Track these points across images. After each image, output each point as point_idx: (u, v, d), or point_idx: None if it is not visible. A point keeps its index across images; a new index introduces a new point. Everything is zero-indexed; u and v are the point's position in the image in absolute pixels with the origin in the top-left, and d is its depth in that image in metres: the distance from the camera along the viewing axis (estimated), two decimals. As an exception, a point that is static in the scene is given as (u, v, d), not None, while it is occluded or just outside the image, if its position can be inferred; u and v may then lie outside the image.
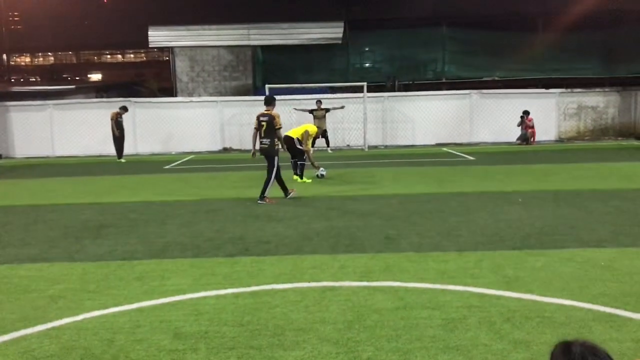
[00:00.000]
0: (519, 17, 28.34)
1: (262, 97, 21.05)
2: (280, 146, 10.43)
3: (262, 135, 10.16)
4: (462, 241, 6.87)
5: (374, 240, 7.03)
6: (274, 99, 10.52)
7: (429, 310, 4.59)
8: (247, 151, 20.38)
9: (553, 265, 5.78)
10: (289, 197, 10.46)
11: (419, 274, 5.59)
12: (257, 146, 10.40)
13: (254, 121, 10.35)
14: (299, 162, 12.91)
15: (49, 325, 4.53)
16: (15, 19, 67.81)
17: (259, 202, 9.96)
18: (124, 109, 19.53)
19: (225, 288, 5.35)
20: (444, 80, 27.41)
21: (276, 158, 10.17)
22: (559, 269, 5.64)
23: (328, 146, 20.65)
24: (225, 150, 22.51)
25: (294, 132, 12.79)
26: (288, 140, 12.45)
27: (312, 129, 13.04)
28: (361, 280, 5.41)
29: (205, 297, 5.13)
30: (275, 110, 10.41)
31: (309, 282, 5.44)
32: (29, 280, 5.81)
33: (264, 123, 10.14)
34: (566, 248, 6.43)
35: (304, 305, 4.80)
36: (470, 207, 9.08)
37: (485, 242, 6.78)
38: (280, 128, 10.22)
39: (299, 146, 12.68)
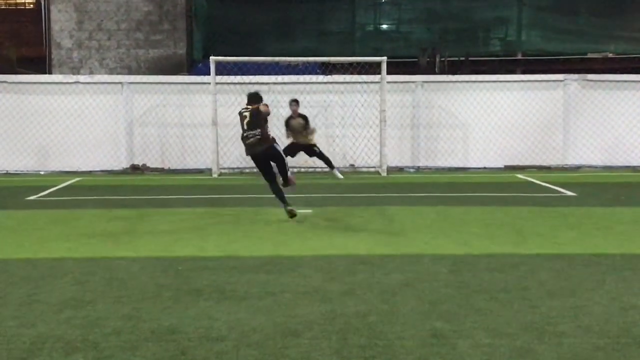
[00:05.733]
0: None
1: (204, 79, 21.48)
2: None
3: (246, 127, 12.52)
4: (567, 346, 6.76)
5: (411, 341, 6.90)
6: (261, 97, 13.05)
7: None
8: (175, 172, 20.28)
9: None
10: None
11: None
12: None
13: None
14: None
15: None
16: None
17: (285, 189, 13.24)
18: None
19: None
20: (519, 57, 27.62)
21: (276, 145, 13.07)
22: None
23: (330, 168, 20.57)
24: (135, 169, 22.33)
25: None
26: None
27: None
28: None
29: None
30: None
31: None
32: None
33: (246, 114, 12.44)
34: None
35: None
36: (575, 282, 9.01)
37: (609, 349, 6.68)
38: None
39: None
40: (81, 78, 23.07)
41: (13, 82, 22.88)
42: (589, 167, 22.48)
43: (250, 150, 11.96)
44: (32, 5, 42.22)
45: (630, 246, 11.24)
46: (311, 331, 7.20)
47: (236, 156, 21.70)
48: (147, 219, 14.32)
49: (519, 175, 20.93)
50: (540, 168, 22.37)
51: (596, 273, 9.55)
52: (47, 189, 18.47)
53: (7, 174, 21.78)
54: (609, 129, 22.42)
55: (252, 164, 22.02)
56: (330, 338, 6.99)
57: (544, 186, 18.68)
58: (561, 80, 22.69)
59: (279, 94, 21.90)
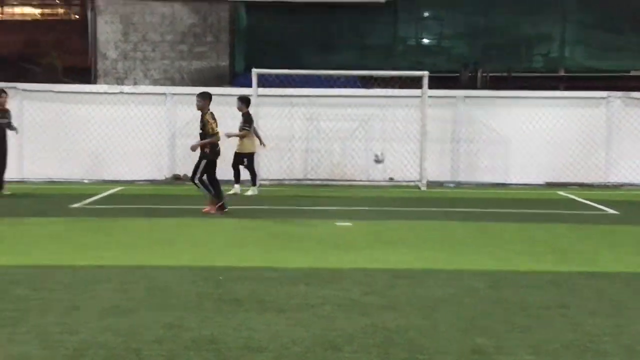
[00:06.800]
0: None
1: (246, 91, 21.51)
2: None
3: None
4: (612, 363, 6.70)
5: (452, 356, 6.85)
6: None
7: None
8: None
9: None
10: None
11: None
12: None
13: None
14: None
15: None
16: None
17: None
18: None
19: None
20: (562, 74, 27.44)
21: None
22: None
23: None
24: (176, 179, 22.45)
25: None
26: None
27: None
28: None
29: None
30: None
31: None
32: None
33: None
34: None
35: None
36: (620, 301, 8.91)
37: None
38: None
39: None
40: (125, 88, 23.28)
41: (59, 92, 23.12)
42: (632, 185, 22.26)
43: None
44: (77, 17, 42.71)
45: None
46: (351, 345, 7.17)
47: (276, 168, 21.76)
48: (188, 228, 14.40)
49: (561, 193, 20.78)
50: (582, 185, 22.19)
51: (638, 292, 9.45)
52: (90, 197, 18.63)
53: (52, 182, 21.95)
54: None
55: (292, 175, 22.42)
56: (370, 352, 6.95)
57: (586, 204, 18.54)
58: (604, 98, 22.51)
59: (320, 106, 21.96)
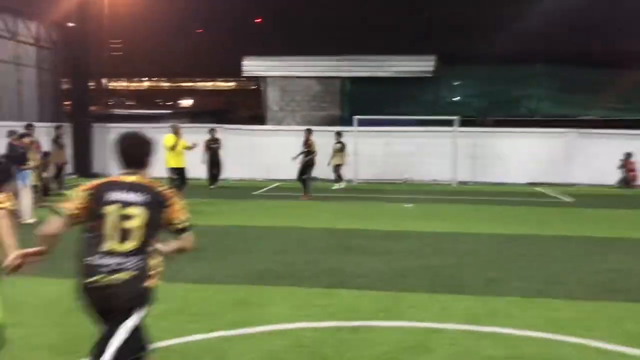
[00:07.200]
0: (619, 54, 27.14)
1: (350, 128, 21.68)
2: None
3: (111, 246, 3.42)
4: (571, 289, 6.52)
5: (474, 282, 6.80)
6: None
7: (545, 362, 4.34)
8: (321, 181, 20.02)
9: (678, 322, 5.34)
10: None
11: (527, 320, 5.34)
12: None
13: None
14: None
15: (154, 345, 4.65)
16: (117, 45, 72.42)
17: None
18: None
19: (324, 320, 5.32)
20: (538, 118, 26.58)
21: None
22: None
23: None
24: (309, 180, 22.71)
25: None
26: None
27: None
28: (466, 324, 5.22)
29: (304, 328, 5.12)
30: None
31: (410, 321, 5.31)
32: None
33: (134, 214, 3.53)
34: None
35: (408, 346, 4.68)
36: (575, 253, 8.60)
37: (598, 292, 6.40)
38: None
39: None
40: (282, 127, 23.69)
41: (245, 130, 23.68)
42: (581, 184, 21.22)
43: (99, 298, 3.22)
44: (254, 87, 43.62)
45: (609, 233, 10.55)
46: (413, 275, 7.20)
47: (365, 172, 21.63)
48: (316, 206, 14.24)
49: (537, 188, 20.07)
50: (550, 184, 21.26)
51: (587, 248, 9.05)
52: (263, 189, 18.92)
53: (241, 180, 22.43)
54: (593, 161, 21.01)
55: (375, 177, 22.33)
56: (425, 279, 6.99)
57: (553, 196, 17.91)
58: (564, 132, 21.69)
59: (393, 137, 21.89)
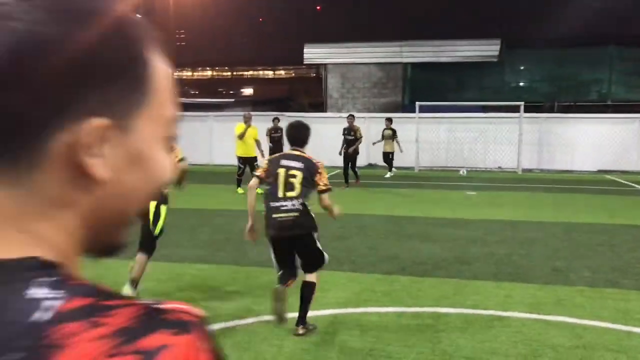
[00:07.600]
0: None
1: (411, 115, 21.43)
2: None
3: (282, 194, 4.68)
4: (643, 280, 6.28)
5: (539, 271, 6.66)
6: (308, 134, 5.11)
7: (613, 353, 4.23)
8: (380, 168, 19.87)
9: None
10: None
11: (595, 311, 5.20)
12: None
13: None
14: None
15: (222, 325, 4.81)
16: (182, 35, 74.42)
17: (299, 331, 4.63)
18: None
19: (386, 306, 5.35)
20: (609, 103, 25.50)
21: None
22: None
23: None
24: (370, 166, 22.66)
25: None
26: None
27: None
28: (531, 312, 5.13)
29: (366, 313, 5.17)
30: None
31: (474, 309, 5.27)
32: (200, 279, 6.23)
33: (296, 174, 4.73)
34: None
35: (471, 333, 4.65)
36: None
37: (673, 284, 6.14)
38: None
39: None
40: (342, 114, 23.72)
41: (306, 117, 23.79)
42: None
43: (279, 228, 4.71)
44: (313, 75, 43.81)
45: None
46: (477, 262, 7.12)
47: (426, 158, 21.42)
48: (379, 195, 14.39)
49: (607, 176, 19.34)
50: (622, 172, 20.47)
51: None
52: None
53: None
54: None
55: (437, 163, 21.97)
56: (489, 266, 6.89)
57: (625, 183, 17.19)
58: (637, 118, 20.74)
59: (456, 124, 21.56)
